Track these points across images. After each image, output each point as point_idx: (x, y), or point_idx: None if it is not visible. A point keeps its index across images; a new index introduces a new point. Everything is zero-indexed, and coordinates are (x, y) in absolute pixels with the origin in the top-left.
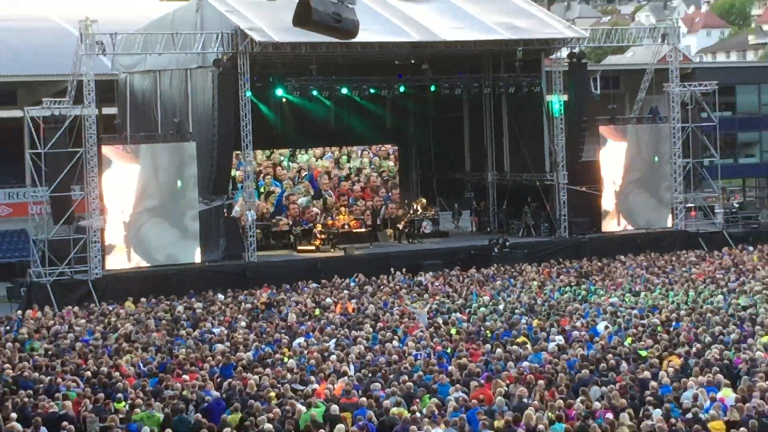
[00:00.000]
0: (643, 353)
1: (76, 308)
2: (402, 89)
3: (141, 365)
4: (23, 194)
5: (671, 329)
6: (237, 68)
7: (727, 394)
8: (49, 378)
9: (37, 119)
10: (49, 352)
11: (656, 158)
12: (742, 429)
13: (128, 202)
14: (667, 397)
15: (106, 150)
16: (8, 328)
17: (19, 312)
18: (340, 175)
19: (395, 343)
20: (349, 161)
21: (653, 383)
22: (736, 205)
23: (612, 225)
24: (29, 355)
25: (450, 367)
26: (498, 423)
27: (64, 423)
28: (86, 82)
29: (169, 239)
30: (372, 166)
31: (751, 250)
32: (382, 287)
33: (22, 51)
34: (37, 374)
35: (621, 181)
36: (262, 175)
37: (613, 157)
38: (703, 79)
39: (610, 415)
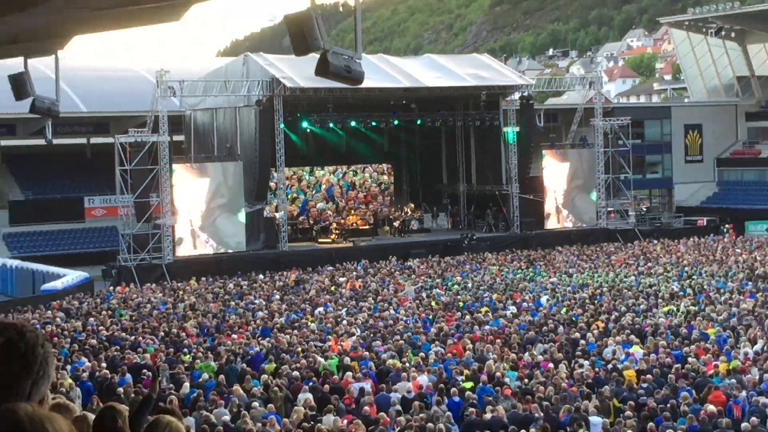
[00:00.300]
0: (575, 319)
1: (153, 285)
2: (396, 122)
3: (201, 328)
4: (114, 200)
5: (596, 301)
6: (273, 107)
7: (637, 350)
8: (132, 337)
9: (124, 144)
10: (133, 318)
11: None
12: (648, 375)
13: (195, 204)
14: (593, 352)
15: (176, 167)
16: (102, 299)
17: (111, 287)
18: (347, 185)
19: (390, 311)
20: (355, 175)
21: (582, 342)
22: (644, 210)
23: (552, 223)
24: (118, 320)
25: (431, 329)
26: (466, 371)
27: (144, 370)
28: (161, 116)
29: (234, 230)
30: (372, 180)
31: (655, 243)
32: (381, 270)
33: (113, 93)
34: (124, 334)
35: (566, 188)
36: (289, 185)
37: (554, 173)
38: (619, 115)
39: (551, 365)
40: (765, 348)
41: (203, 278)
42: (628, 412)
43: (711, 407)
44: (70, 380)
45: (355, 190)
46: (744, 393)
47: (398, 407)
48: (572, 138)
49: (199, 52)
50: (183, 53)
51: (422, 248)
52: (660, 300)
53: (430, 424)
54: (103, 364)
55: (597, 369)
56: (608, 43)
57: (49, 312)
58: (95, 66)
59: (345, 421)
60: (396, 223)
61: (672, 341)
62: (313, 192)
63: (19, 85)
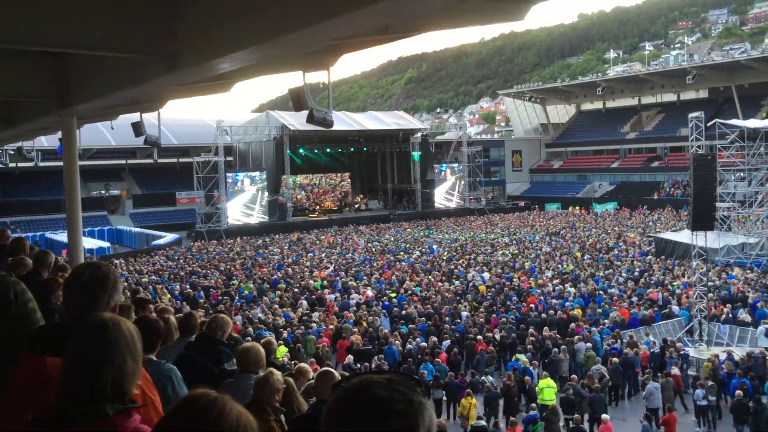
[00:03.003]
0: (452, 258)
1: (215, 241)
2: (352, 149)
3: (243, 265)
4: (193, 194)
5: (463, 248)
6: (283, 141)
7: (486, 275)
8: (204, 270)
9: (198, 162)
10: (204, 259)
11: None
12: (492, 288)
13: (242, 195)
14: (462, 277)
15: (228, 175)
16: (186, 249)
17: (192, 243)
18: (314, 186)
19: (349, 255)
20: (318, 181)
21: (455, 270)
22: (490, 197)
23: (442, 205)
24: (195, 261)
25: (372, 264)
26: (392, 293)
27: (211, 290)
28: (219, 146)
29: (262, 209)
30: (326, 182)
31: (496, 216)
32: (344, 231)
33: (192, 132)
34: (199, 269)
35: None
36: (293, 184)
37: (442, 177)
38: (475, 145)
39: (439, 283)
40: (554, 273)
41: (244, 237)
42: (481, 309)
43: (528, 305)
44: (168, 295)
45: (318, 187)
46: (543, 297)
47: (354, 307)
48: (450, 158)
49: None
50: (230, 107)
51: (367, 220)
52: (496, 247)
53: (371, 317)
54: (187, 285)
55: (464, 285)
56: (470, 105)
57: (156, 257)
58: (180, 117)
59: (324, 315)
60: (354, 206)
61: (505, 269)
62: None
63: (138, 128)
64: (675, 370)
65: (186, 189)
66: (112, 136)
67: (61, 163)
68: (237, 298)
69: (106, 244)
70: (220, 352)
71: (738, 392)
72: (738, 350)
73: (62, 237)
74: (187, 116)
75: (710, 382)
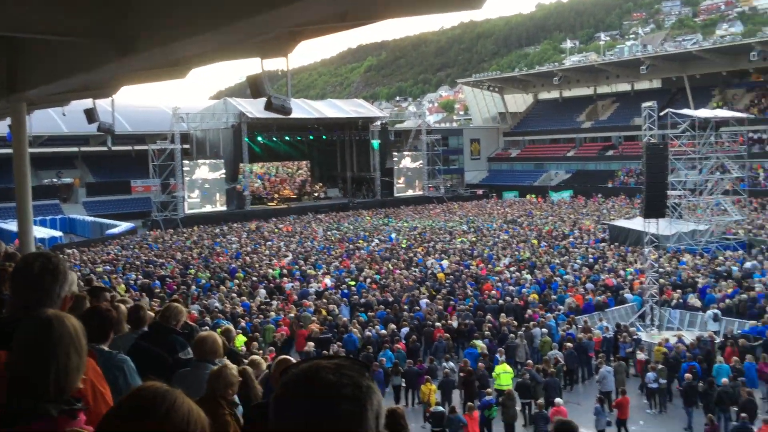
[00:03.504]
0: (410, 246)
1: (171, 230)
2: (311, 137)
3: (200, 254)
4: (148, 182)
5: (422, 236)
6: (240, 128)
7: (444, 262)
8: (160, 260)
9: (154, 150)
10: (160, 248)
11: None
12: (450, 276)
13: (198, 183)
14: (420, 265)
15: (185, 163)
16: (142, 238)
17: (147, 232)
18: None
19: (309, 243)
20: (276, 170)
21: (414, 258)
22: (449, 185)
23: (401, 193)
24: (151, 250)
25: (331, 252)
26: (351, 281)
27: (168, 279)
28: (175, 134)
29: (219, 198)
30: (283, 171)
31: (455, 204)
32: (303, 220)
33: (147, 119)
34: (155, 258)
35: (417, 172)
36: (249, 174)
37: (402, 165)
38: (434, 134)
39: (397, 271)
40: (511, 261)
41: (201, 226)
42: (438, 296)
43: (485, 292)
44: (123, 285)
45: (276, 176)
46: (501, 284)
47: (313, 296)
48: (409, 147)
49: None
50: (187, 94)
51: (326, 208)
52: (454, 236)
53: (331, 305)
54: (141, 275)
55: (423, 273)
56: (429, 94)
57: (111, 246)
58: (135, 103)
59: (283, 305)
60: (312, 194)
61: (462, 257)
62: (264, 178)
63: (91, 114)
64: (641, 356)
65: (141, 177)
66: (64, 122)
67: (10, 150)
68: (193, 287)
69: (58, 234)
70: (174, 342)
71: (688, 375)
72: (688, 334)
73: (12, 226)
74: (143, 103)
75: (661, 366)
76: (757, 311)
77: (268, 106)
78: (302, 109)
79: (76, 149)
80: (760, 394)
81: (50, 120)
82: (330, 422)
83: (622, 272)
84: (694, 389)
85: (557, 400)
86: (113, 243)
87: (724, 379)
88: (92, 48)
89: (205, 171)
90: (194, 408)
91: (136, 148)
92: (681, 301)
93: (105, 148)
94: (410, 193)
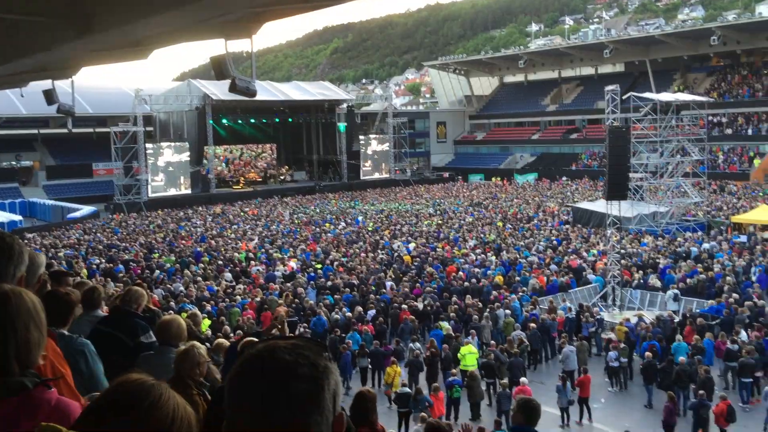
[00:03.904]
0: (377, 229)
1: (134, 214)
2: (276, 120)
3: (165, 237)
4: (110, 165)
5: (388, 219)
6: (205, 110)
7: (411, 245)
8: (123, 243)
9: (116, 132)
10: (124, 232)
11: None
12: (416, 258)
13: (160, 166)
14: (387, 247)
15: (148, 146)
16: (106, 222)
17: (110, 215)
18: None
19: (274, 227)
20: (240, 153)
21: (381, 241)
22: (415, 168)
23: (368, 176)
24: (113, 234)
25: (298, 236)
26: (318, 263)
27: (132, 263)
28: (138, 116)
29: (184, 181)
30: (246, 154)
31: (421, 187)
32: (269, 203)
33: (109, 101)
34: (118, 242)
35: (383, 155)
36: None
37: (369, 148)
38: (401, 117)
39: (363, 254)
40: (476, 243)
41: (165, 210)
42: (405, 278)
43: (451, 274)
44: (85, 270)
45: (240, 159)
46: (468, 266)
47: (280, 279)
48: (376, 130)
49: (160, 76)
50: (149, 76)
51: (293, 191)
52: (421, 218)
53: (298, 288)
54: (104, 260)
55: (389, 256)
56: (396, 77)
57: (73, 230)
58: (96, 84)
59: (249, 288)
60: (278, 177)
61: (429, 240)
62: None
63: (50, 95)
64: (611, 335)
65: (103, 160)
66: (23, 104)
67: None
68: (158, 271)
69: (17, 218)
70: (135, 325)
71: (648, 354)
72: (648, 314)
73: None
74: (104, 84)
75: (623, 345)
76: (715, 291)
77: (233, 88)
78: (267, 91)
79: (35, 131)
80: (717, 371)
81: (8, 101)
82: (286, 402)
83: (585, 254)
84: (653, 367)
85: (522, 379)
86: (75, 227)
87: (682, 358)
88: (50, 27)
89: (169, 154)
90: (181, 403)
91: (98, 130)
92: (642, 281)
93: (65, 131)
94: (377, 176)
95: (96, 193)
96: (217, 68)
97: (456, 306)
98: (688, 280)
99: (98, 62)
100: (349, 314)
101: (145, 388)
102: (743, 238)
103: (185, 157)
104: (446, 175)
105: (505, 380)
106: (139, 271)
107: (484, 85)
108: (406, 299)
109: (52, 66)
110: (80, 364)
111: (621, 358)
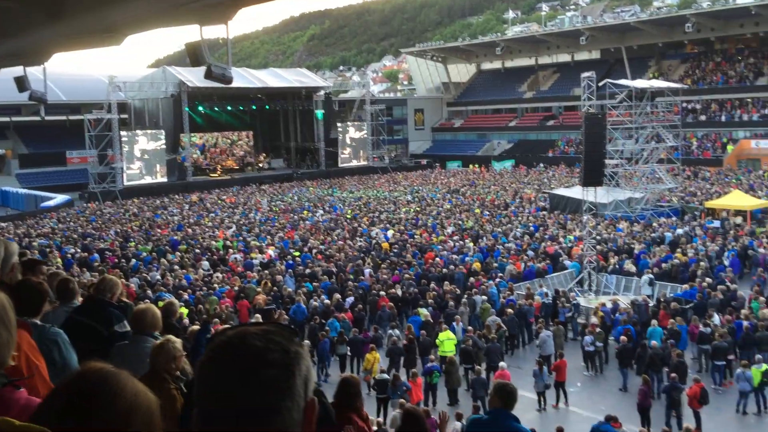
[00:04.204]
0: (356, 217)
1: (109, 202)
2: (254, 107)
3: (141, 226)
4: (84, 153)
5: (367, 206)
6: (181, 98)
7: (390, 233)
8: (98, 232)
9: (90, 120)
10: (99, 221)
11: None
12: (395, 245)
13: (135, 155)
14: (365, 235)
15: (123, 133)
16: (81, 211)
17: (84, 204)
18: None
19: (252, 215)
20: (216, 141)
21: (359, 228)
22: (393, 155)
23: (346, 164)
24: (89, 222)
25: (276, 223)
26: (296, 251)
27: (107, 252)
28: (112, 103)
29: (159, 169)
30: (223, 142)
31: (399, 174)
32: (246, 191)
33: (83, 88)
34: (93, 231)
35: (361, 142)
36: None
37: (347, 135)
38: (379, 104)
39: (340, 242)
40: (454, 230)
41: (140, 198)
42: (383, 265)
43: (429, 261)
44: (59, 259)
45: (216, 147)
46: (446, 252)
47: (258, 267)
48: (354, 117)
49: (134, 63)
50: (124, 62)
51: (270, 179)
52: (401, 205)
53: (277, 276)
54: (79, 249)
55: (368, 243)
56: (373, 63)
57: (47, 219)
58: (69, 71)
59: (227, 276)
60: (255, 165)
61: (407, 227)
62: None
63: (21, 82)
64: (594, 319)
65: (77, 148)
66: None
67: None
68: (134, 260)
69: None
70: (109, 315)
71: (623, 338)
72: (623, 298)
73: None
74: (77, 71)
75: (598, 329)
76: (688, 275)
77: (208, 75)
78: (244, 78)
79: (7, 119)
80: (690, 354)
81: None
82: (256, 388)
83: (561, 240)
84: (628, 351)
85: (501, 364)
86: (49, 216)
87: (654, 342)
88: (20, 12)
89: (145, 142)
90: (142, 390)
91: (71, 118)
92: (617, 266)
93: (38, 118)
94: (354, 163)
95: (70, 182)
96: (193, 55)
97: (434, 293)
98: (662, 265)
99: (70, 48)
100: (327, 301)
101: (103, 377)
102: (716, 223)
103: (161, 145)
104: (424, 162)
105: (483, 366)
106: (115, 260)
107: (462, 72)
108: (385, 286)
109: (24, 52)
110: (53, 354)
111: (596, 343)
